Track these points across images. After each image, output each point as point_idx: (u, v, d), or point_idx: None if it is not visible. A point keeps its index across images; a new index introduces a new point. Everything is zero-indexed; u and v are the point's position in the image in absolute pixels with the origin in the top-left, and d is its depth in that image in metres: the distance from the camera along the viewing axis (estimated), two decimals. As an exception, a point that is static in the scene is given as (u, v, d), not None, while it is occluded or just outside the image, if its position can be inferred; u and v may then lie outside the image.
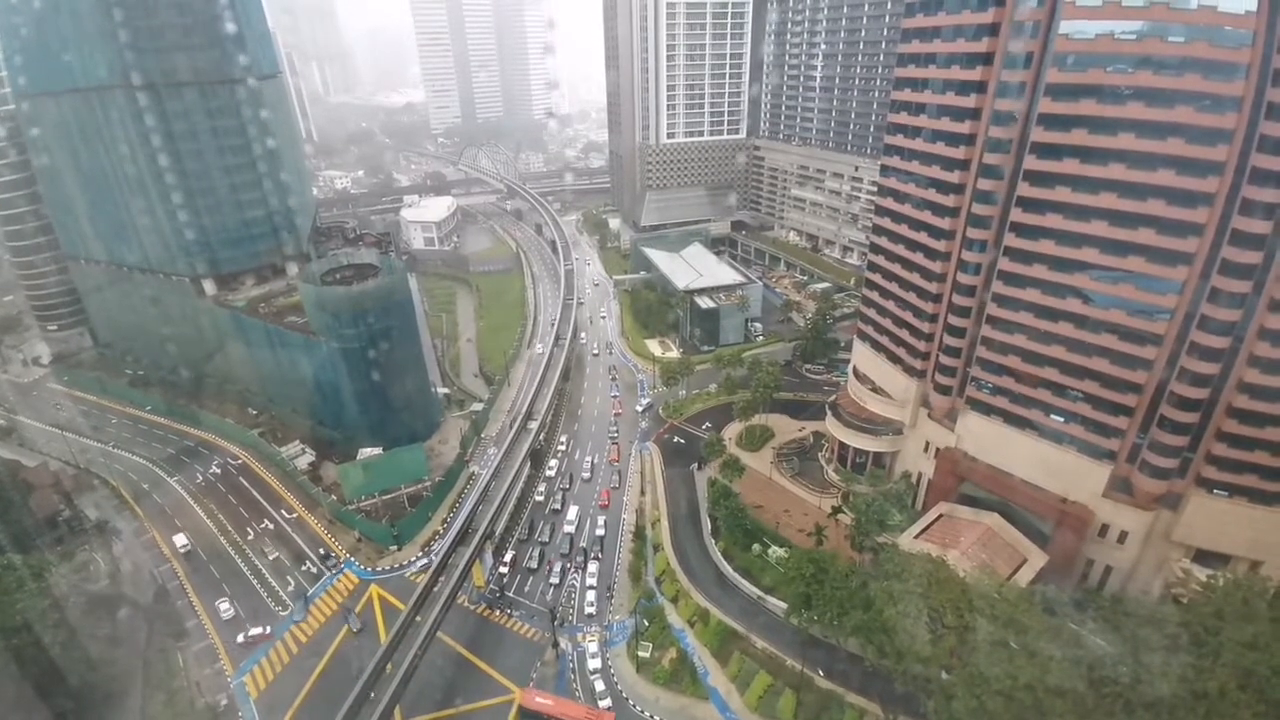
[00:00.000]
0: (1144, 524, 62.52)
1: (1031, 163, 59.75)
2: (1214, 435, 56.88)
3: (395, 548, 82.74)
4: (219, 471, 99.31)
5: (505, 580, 77.94)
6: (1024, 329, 64.28)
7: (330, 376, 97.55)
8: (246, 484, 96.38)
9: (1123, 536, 64.13)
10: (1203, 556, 60.87)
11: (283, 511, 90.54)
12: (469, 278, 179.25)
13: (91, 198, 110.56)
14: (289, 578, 79.13)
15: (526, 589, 77.30)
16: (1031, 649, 48.91)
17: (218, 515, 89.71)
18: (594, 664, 66.63)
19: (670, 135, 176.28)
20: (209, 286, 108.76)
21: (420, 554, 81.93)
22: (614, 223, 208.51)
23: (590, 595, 75.20)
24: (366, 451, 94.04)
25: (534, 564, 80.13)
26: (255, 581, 78.83)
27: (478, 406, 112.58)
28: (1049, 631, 50.72)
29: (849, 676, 61.79)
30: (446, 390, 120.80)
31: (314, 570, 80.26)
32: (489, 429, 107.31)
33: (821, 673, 62.50)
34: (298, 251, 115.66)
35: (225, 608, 73.93)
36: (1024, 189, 60.78)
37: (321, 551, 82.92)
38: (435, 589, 69.92)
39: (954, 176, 67.98)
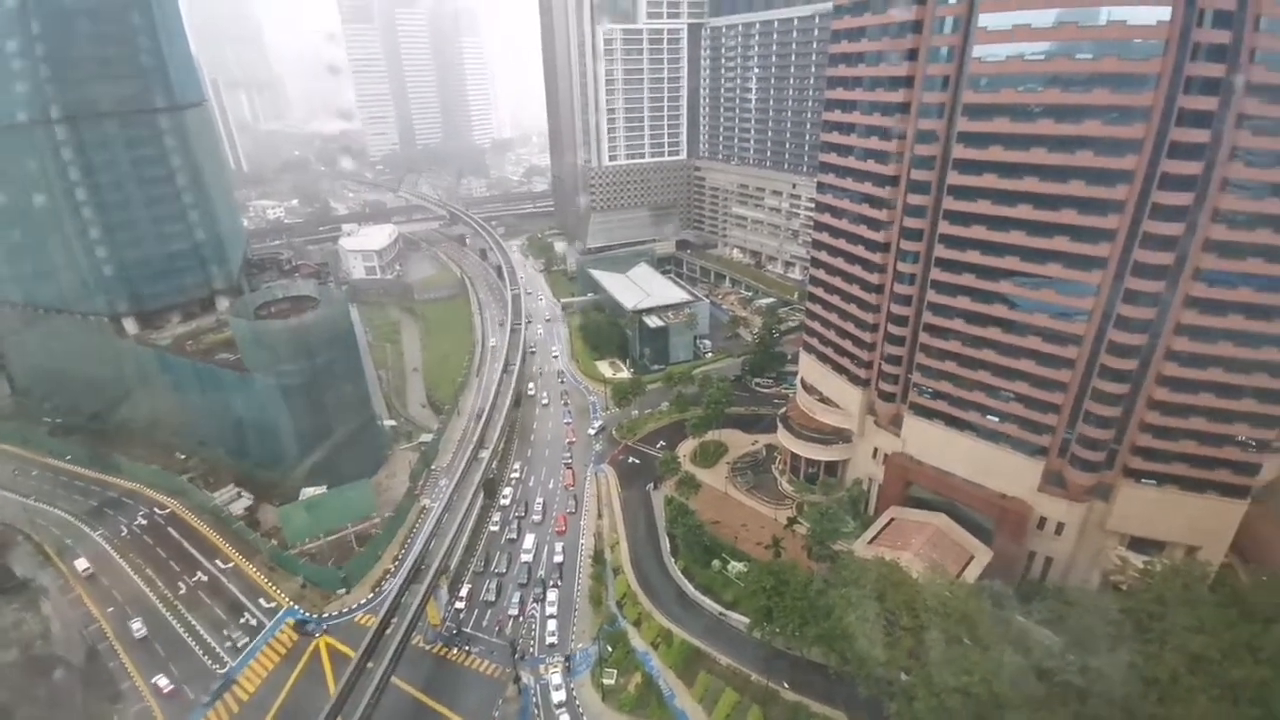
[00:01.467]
0: (1078, 515, 65.60)
1: (955, 178, 63.03)
2: (1137, 427, 60.46)
3: (344, 591, 79.01)
4: (144, 523, 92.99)
5: (462, 616, 75.42)
6: (958, 335, 67.18)
7: (267, 415, 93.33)
8: (176, 534, 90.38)
9: (1060, 528, 67.10)
10: (1137, 543, 64.21)
11: (217, 562, 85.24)
12: (413, 306, 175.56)
13: (2, 235, 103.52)
14: (226, 632, 74.37)
15: (485, 623, 74.95)
16: (984, 644, 50.34)
17: (145, 570, 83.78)
18: (558, 696, 64.92)
19: (612, 157, 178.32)
20: (130, 325, 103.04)
21: (371, 595, 78.50)
22: (560, 246, 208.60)
23: (551, 624, 73.42)
24: (309, 491, 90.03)
25: (492, 596, 77.90)
26: (190, 639, 73.79)
27: (427, 437, 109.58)
28: (999, 626, 52.34)
29: (813, 686, 62.03)
30: (393, 422, 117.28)
31: (254, 622, 75.73)
32: (439, 460, 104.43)
33: (786, 685, 62.58)
34: (228, 285, 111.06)
35: (158, 674, 68.62)
36: (949, 202, 63.99)
37: (262, 601, 78.37)
38: (388, 631, 66.97)
39: (885, 192, 70.95)
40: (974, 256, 63.64)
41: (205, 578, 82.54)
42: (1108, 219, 55.71)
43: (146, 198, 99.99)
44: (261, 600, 78.56)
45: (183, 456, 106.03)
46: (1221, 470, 58.58)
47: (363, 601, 77.67)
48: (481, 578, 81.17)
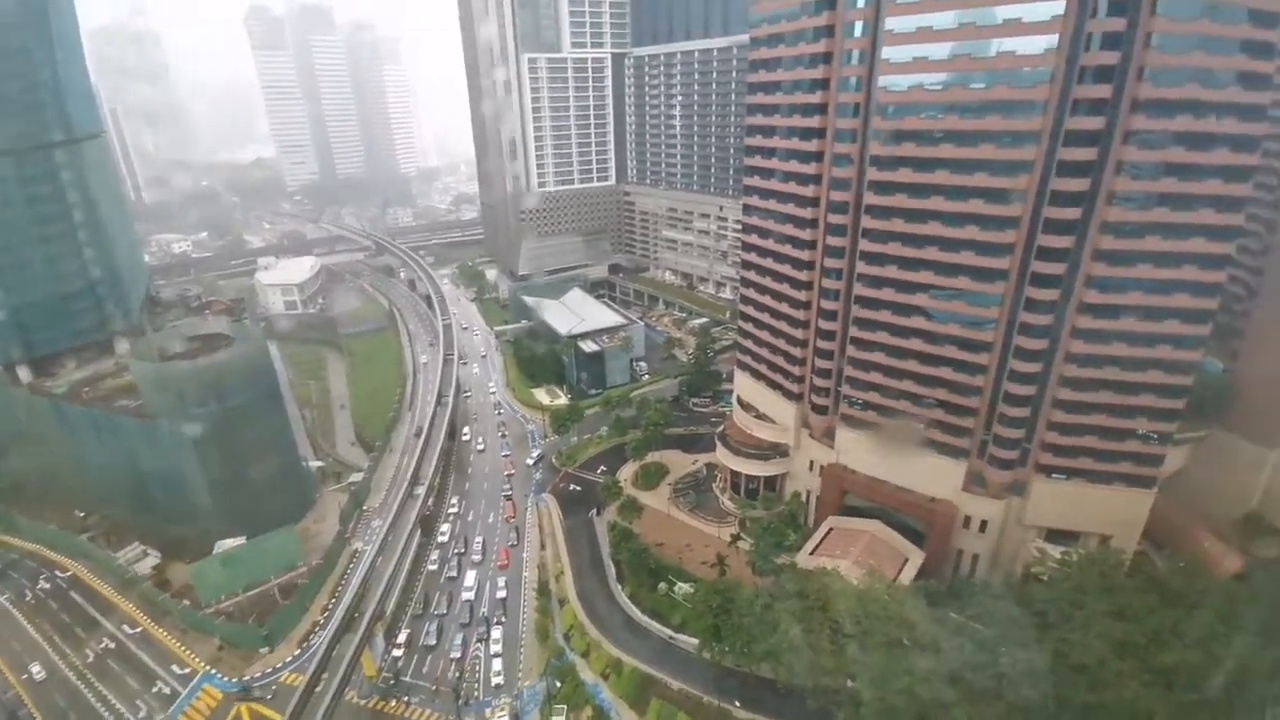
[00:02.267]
0: (999, 512, 69.19)
1: (870, 199, 66.47)
2: (1045, 425, 64.56)
3: (267, 649, 73.61)
4: (48, 586, 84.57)
5: (400, 664, 71.58)
6: (882, 347, 70.23)
7: (174, 465, 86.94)
8: (79, 599, 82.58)
9: (983, 525, 70.49)
10: (1054, 535, 68.14)
11: (125, 626, 78.21)
12: (339, 340, 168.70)
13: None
14: (139, 702, 68.08)
15: (425, 669, 71.39)
16: (923, 644, 51.89)
17: (52, 637, 76.52)
18: (506, 738, 62.38)
19: (542, 184, 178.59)
20: (23, 373, 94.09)
21: (298, 651, 73.49)
22: (491, 274, 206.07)
23: (497, 664, 70.75)
24: (226, 543, 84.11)
25: (432, 640, 74.42)
26: (104, 710, 67.47)
27: (357, 477, 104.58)
28: (935, 625, 54.12)
29: (763, 702, 62.08)
30: (320, 463, 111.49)
31: (167, 690, 69.64)
32: (372, 499, 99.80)
33: (738, 703, 62.40)
34: (128, 325, 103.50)
35: None
36: (867, 221, 67.33)
37: (174, 667, 72.18)
38: (317, 689, 62.72)
39: (807, 213, 73.99)
40: (892, 272, 66.98)
41: (113, 644, 76.02)
42: (1006, 234, 59.87)
43: (40, 236, 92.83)
44: (174, 666, 72.45)
45: (82, 514, 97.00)
46: (1125, 463, 63.08)
47: (289, 659, 72.58)
48: (421, 620, 77.55)
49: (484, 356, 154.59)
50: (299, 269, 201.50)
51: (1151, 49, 51.25)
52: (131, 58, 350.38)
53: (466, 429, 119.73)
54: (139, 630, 77.72)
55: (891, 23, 60.81)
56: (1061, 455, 64.83)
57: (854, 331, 72.03)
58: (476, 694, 67.83)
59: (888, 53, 61.71)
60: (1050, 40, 53.94)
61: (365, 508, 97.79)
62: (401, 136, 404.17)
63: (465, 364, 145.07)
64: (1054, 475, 65.82)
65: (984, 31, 56.80)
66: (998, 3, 55.48)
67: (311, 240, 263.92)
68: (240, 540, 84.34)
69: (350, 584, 79.07)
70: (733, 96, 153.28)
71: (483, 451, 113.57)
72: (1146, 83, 51.85)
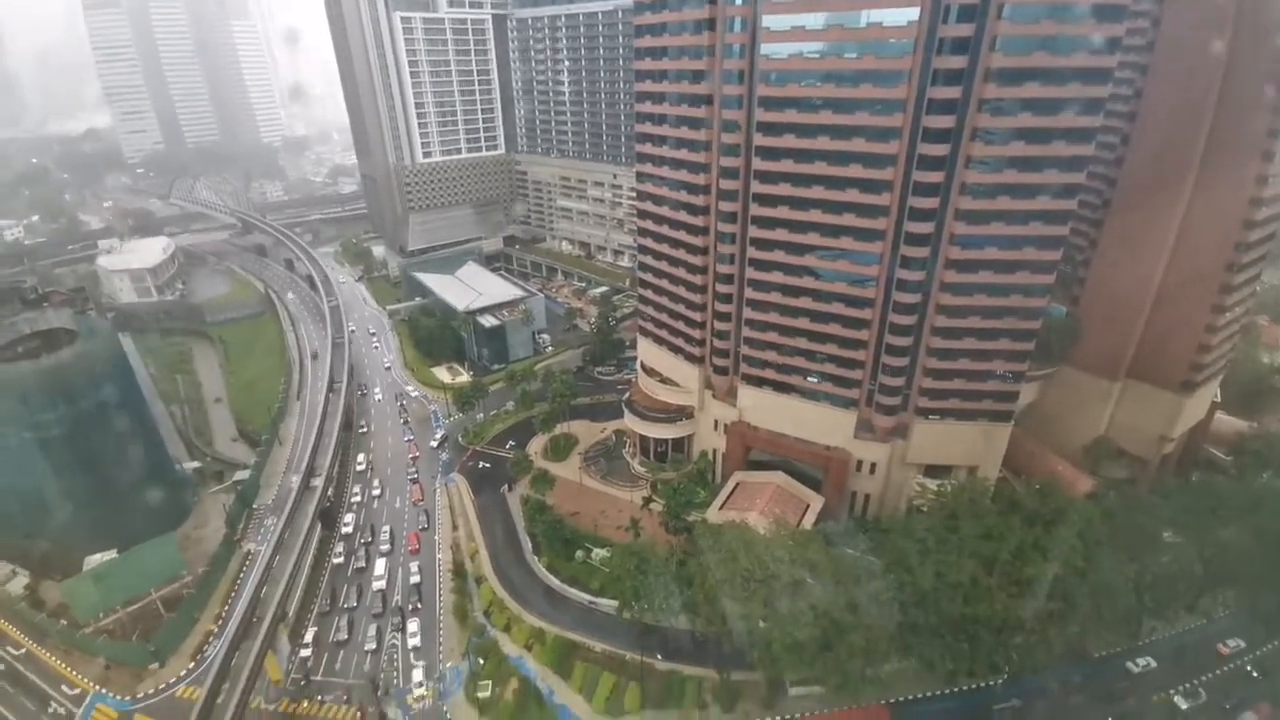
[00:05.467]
0: (885, 454, 75.59)
1: (758, 164, 68.79)
2: (922, 372, 70.78)
3: (157, 665, 67.92)
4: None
5: (310, 664, 68.35)
6: (775, 307, 73.71)
7: (23, 477, 76.86)
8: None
9: (873, 468, 76.84)
10: (931, 470, 75.44)
11: (9, 648, 70.84)
12: (206, 329, 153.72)
13: None
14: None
15: (339, 665, 68.61)
16: (823, 580, 56.33)
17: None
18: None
19: (426, 154, 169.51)
20: None
21: (192, 664, 68.31)
22: (378, 250, 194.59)
23: (415, 647, 69.28)
24: (96, 558, 76.03)
25: (344, 635, 71.44)
26: None
27: (242, 474, 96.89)
28: (832, 561, 58.86)
29: (684, 653, 65.29)
30: (197, 464, 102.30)
31: (63, 711, 63.88)
32: (262, 497, 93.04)
33: (659, 656, 65.16)
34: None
35: None
36: (756, 186, 69.75)
37: (64, 688, 65.91)
38: (218, 701, 58.85)
39: (699, 179, 75.38)
40: (782, 235, 70.07)
41: (2, 666, 68.98)
42: (881, 197, 64.19)
43: None
44: (64, 687, 66.29)
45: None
46: (987, 400, 70.55)
47: (183, 673, 67.36)
48: (329, 616, 74.13)
49: (375, 336, 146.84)
50: (149, 252, 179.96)
51: (1003, 19, 55.59)
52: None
53: (364, 416, 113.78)
54: (23, 651, 70.56)
55: (771, -9, 62.31)
56: (936, 398, 71.45)
57: (749, 293, 75.02)
58: (396, 682, 66.31)
59: (768, 20, 63.50)
60: (912, 13, 57.52)
61: (255, 506, 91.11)
62: (260, 101, 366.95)
63: (357, 346, 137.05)
64: (930, 416, 72.53)
65: (855, 3, 59.57)
66: (866, -25, 58.24)
67: (162, 219, 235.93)
68: (111, 554, 76.42)
69: (244, 588, 74.09)
70: (620, 62, 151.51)
71: (382, 436, 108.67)
72: (998, 53, 56.47)
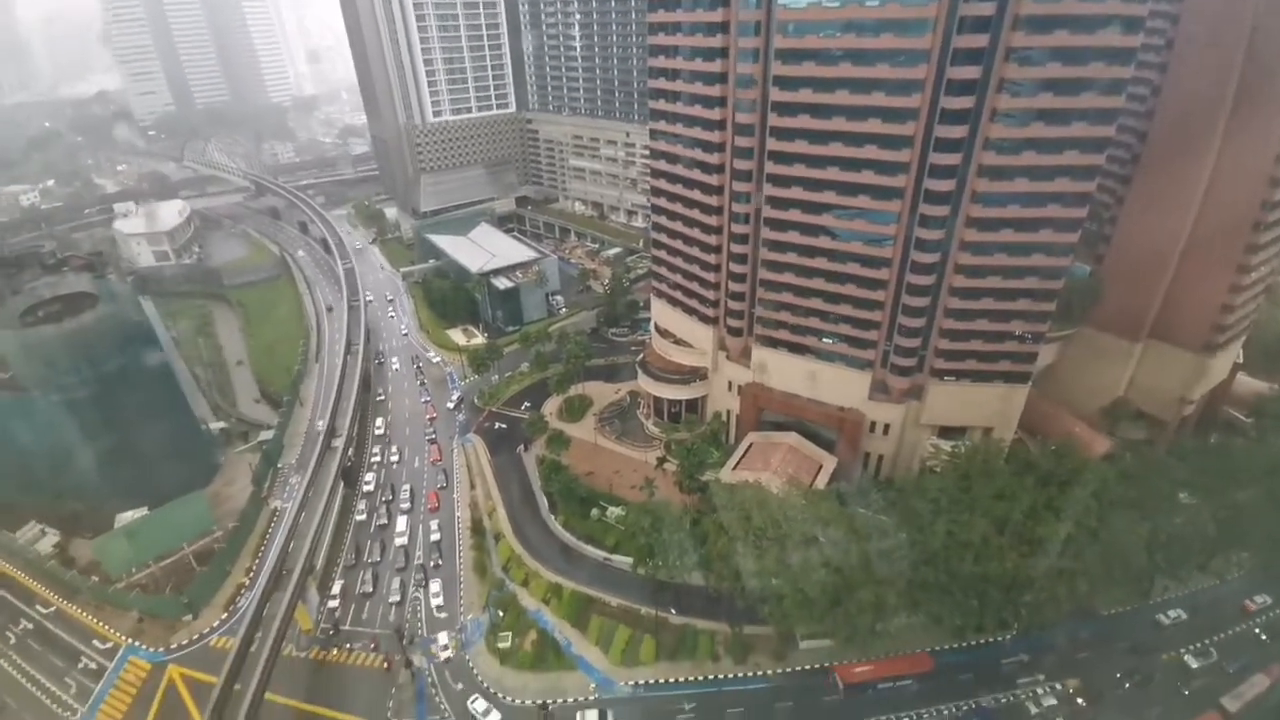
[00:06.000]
0: (900, 415, 75.54)
1: (774, 120, 67.07)
2: (938, 334, 70.08)
3: (190, 617, 71.05)
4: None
5: (338, 614, 71.20)
6: (791, 267, 72.90)
7: (56, 437, 79.30)
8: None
9: (886, 429, 76.92)
10: (945, 432, 75.40)
11: (38, 607, 74.20)
12: (225, 293, 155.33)
13: None
14: (68, 679, 65.80)
15: (365, 616, 71.42)
16: (834, 538, 57.16)
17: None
18: (454, 670, 64.19)
19: (437, 113, 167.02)
20: None
21: (225, 615, 71.40)
22: (390, 212, 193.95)
23: (436, 601, 71.78)
24: (127, 515, 78.92)
25: (369, 587, 74.16)
26: (35, 690, 65.05)
27: (267, 435, 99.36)
28: (845, 519, 59.58)
29: (697, 608, 66.94)
30: (223, 424, 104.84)
31: (94, 666, 67.10)
32: (286, 456, 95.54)
33: (674, 611, 66.98)
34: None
35: None
36: (772, 143, 68.17)
37: (96, 643, 69.22)
38: (252, 649, 61.61)
39: (714, 136, 73.80)
40: (798, 193, 68.77)
41: (30, 625, 72.46)
42: (901, 153, 62.51)
43: None
44: (96, 642, 69.65)
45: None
46: (1004, 361, 69.88)
47: (216, 624, 70.50)
48: (354, 570, 76.83)
49: (391, 300, 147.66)
50: (166, 215, 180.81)
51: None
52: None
53: (381, 384, 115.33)
54: (53, 609, 73.96)
55: (790, -64, 59.76)
56: (952, 359, 70.90)
57: (764, 253, 74.14)
58: (421, 632, 68.93)
59: (787, -33, 60.97)
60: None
61: (280, 465, 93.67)
62: (269, 60, 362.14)
63: (373, 312, 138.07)
64: (945, 378, 72.12)
65: (879, -54, 56.97)
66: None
67: (177, 182, 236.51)
68: (142, 511, 79.27)
69: (273, 542, 76.68)
70: (633, 16, 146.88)
71: (399, 399, 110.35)
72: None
